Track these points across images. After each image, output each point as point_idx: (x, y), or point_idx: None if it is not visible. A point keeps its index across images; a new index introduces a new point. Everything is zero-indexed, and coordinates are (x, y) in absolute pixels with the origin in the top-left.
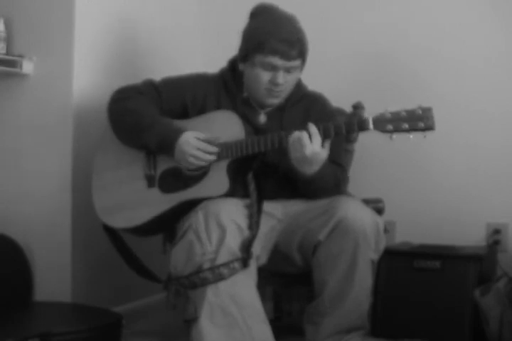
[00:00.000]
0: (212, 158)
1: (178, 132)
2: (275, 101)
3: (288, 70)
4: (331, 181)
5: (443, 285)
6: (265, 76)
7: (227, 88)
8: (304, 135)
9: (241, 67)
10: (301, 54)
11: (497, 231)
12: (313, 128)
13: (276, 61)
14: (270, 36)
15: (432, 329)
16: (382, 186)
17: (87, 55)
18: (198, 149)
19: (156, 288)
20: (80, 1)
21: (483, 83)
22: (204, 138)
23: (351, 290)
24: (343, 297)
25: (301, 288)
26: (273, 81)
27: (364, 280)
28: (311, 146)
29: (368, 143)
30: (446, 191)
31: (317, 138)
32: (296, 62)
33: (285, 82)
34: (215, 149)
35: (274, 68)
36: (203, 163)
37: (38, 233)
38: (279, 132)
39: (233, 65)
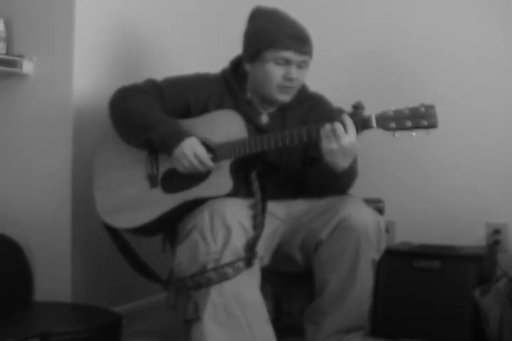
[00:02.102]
0: (203, 170)
1: (186, 134)
2: (287, 97)
3: (300, 65)
4: (353, 177)
5: (443, 285)
6: (278, 71)
7: (229, 88)
8: (339, 126)
9: (247, 67)
10: (311, 51)
11: (497, 231)
12: (347, 119)
13: (290, 55)
14: (282, 32)
15: (432, 329)
16: (382, 186)
17: (87, 55)
18: (197, 158)
19: (156, 288)
20: (80, 1)
21: (483, 83)
22: (203, 150)
23: (352, 290)
24: (344, 296)
25: (301, 287)
26: (287, 76)
27: (365, 280)
28: (347, 137)
29: (368, 143)
30: (446, 191)
31: (352, 128)
32: (307, 58)
33: (296, 78)
34: (211, 164)
35: (287, 62)
36: (192, 171)
37: (38, 233)
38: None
39: (235, 66)
